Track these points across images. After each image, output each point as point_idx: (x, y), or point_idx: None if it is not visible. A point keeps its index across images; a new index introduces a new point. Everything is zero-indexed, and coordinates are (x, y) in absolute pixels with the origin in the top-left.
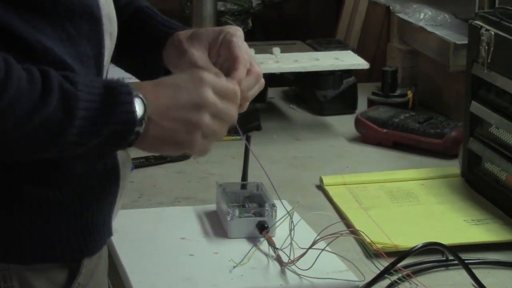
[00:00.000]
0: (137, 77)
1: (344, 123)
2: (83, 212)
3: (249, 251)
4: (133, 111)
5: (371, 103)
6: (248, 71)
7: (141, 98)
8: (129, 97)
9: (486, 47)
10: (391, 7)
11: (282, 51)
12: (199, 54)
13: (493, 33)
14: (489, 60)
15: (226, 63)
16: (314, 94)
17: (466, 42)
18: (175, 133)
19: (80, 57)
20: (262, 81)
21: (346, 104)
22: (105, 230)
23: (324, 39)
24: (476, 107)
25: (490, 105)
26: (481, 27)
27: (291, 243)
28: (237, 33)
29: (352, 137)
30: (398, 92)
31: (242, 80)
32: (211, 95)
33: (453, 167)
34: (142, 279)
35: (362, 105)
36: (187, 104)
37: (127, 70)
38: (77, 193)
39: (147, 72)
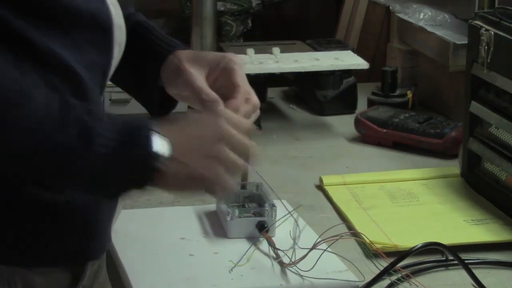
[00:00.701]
0: (129, 92)
1: (344, 123)
2: (87, 216)
3: (246, 251)
4: (151, 148)
5: (371, 103)
6: (246, 100)
7: (160, 136)
8: (149, 134)
9: (486, 47)
10: (391, 7)
11: (282, 51)
12: (197, 75)
13: (492, 33)
14: (489, 60)
15: (224, 90)
16: (314, 94)
17: (466, 42)
18: (196, 170)
19: (89, 65)
20: (258, 111)
21: (346, 104)
22: (107, 234)
23: (324, 39)
24: (476, 107)
25: (490, 105)
26: (481, 27)
27: (294, 248)
28: (239, 62)
29: (352, 137)
30: (398, 92)
31: (239, 108)
32: (228, 127)
33: (453, 167)
34: (142, 279)
35: (362, 105)
36: (206, 138)
37: (119, 84)
38: (80, 197)
39: (141, 87)
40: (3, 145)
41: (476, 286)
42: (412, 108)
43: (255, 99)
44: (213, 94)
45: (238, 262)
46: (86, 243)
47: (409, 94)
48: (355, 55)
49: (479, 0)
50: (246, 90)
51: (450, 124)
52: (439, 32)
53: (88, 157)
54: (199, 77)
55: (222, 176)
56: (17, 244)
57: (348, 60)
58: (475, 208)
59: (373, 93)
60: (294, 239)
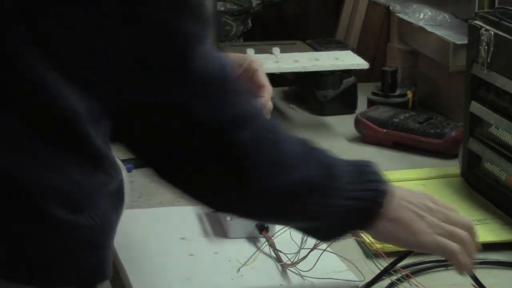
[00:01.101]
0: None
1: (344, 123)
2: (102, 237)
3: (255, 252)
4: (381, 182)
5: (371, 103)
6: (271, 99)
7: (383, 177)
8: (377, 171)
9: (486, 47)
10: (391, 7)
11: (282, 51)
12: None
13: (492, 33)
14: (488, 60)
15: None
16: (314, 94)
17: (466, 42)
18: (412, 221)
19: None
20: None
21: (346, 104)
22: (111, 254)
23: (324, 39)
24: (476, 107)
25: (490, 105)
26: (481, 27)
27: (294, 248)
28: (260, 63)
29: (352, 137)
30: (398, 92)
31: (266, 105)
32: (435, 207)
33: (453, 167)
34: (142, 279)
35: (362, 105)
36: (419, 203)
37: None
38: (95, 216)
39: None
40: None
41: (476, 286)
42: (412, 108)
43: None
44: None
45: (246, 262)
46: (100, 264)
47: (409, 94)
48: (355, 55)
49: (479, 0)
50: (271, 90)
51: (450, 124)
52: (439, 32)
53: (335, 195)
54: None
55: (440, 238)
56: (29, 262)
57: (348, 60)
58: (475, 208)
59: (373, 93)
60: (294, 239)
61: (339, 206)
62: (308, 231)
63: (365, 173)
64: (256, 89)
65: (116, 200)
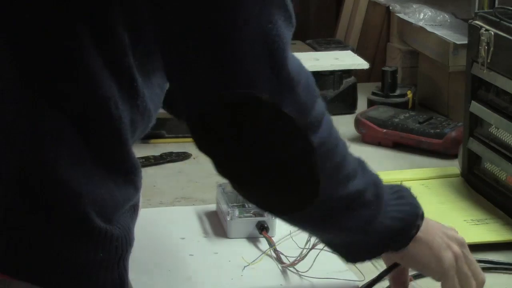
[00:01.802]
0: None
1: (344, 123)
2: (126, 248)
3: (261, 254)
4: (419, 206)
5: (371, 103)
6: None
7: (418, 200)
8: (413, 195)
9: (486, 47)
10: (391, 7)
11: None
12: None
13: (492, 33)
14: (489, 60)
15: None
16: None
17: (466, 42)
18: (440, 247)
19: None
20: None
21: (346, 104)
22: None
23: (324, 39)
24: (476, 107)
25: (489, 105)
26: (481, 27)
27: (294, 248)
28: None
29: (352, 137)
30: (398, 92)
31: None
32: (462, 245)
33: (453, 167)
34: (142, 279)
35: (362, 105)
36: (450, 233)
37: None
38: (121, 227)
39: None
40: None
41: None
42: (412, 108)
43: None
44: None
45: (253, 261)
46: (121, 277)
47: (409, 94)
48: (355, 55)
49: (479, 0)
50: None
51: (450, 124)
52: (439, 32)
53: (380, 213)
54: None
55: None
56: (63, 270)
57: (348, 60)
58: (475, 208)
59: (373, 93)
60: (294, 240)
61: (381, 225)
62: (340, 248)
63: (404, 196)
64: None
65: (134, 213)
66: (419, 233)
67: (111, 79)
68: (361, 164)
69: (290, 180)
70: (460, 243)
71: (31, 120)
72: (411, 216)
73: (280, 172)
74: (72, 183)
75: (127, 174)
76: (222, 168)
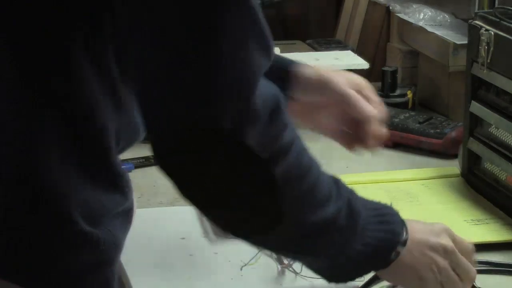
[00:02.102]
0: None
1: None
2: (113, 253)
3: (261, 254)
4: (398, 233)
5: None
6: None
7: (404, 222)
8: (396, 218)
9: (486, 47)
10: (391, 7)
11: (282, 51)
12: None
13: (492, 33)
14: (489, 60)
15: None
16: None
17: (466, 42)
18: (422, 267)
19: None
20: None
21: None
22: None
23: (324, 39)
24: (476, 107)
25: (490, 105)
26: (481, 27)
27: None
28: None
29: None
30: (398, 92)
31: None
32: (452, 246)
33: (453, 167)
34: (142, 279)
35: None
36: (435, 245)
37: None
38: (109, 232)
39: None
40: (291, 218)
41: (476, 287)
42: (412, 108)
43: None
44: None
45: (252, 261)
46: (107, 281)
47: (409, 94)
48: (355, 55)
49: (479, 0)
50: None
51: (450, 124)
52: (439, 32)
53: (352, 239)
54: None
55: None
56: (47, 270)
57: (348, 60)
58: (475, 208)
59: None
60: None
61: (354, 251)
62: (319, 271)
63: (387, 221)
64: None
65: (126, 221)
66: (401, 256)
67: (99, 86)
68: (337, 185)
69: (250, 208)
70: (448, 250)
71: (29, 120)
72: (388, 243)
73: (239, 200)
74: (59, 184)
75: (111, 181)
76: (181, 190)
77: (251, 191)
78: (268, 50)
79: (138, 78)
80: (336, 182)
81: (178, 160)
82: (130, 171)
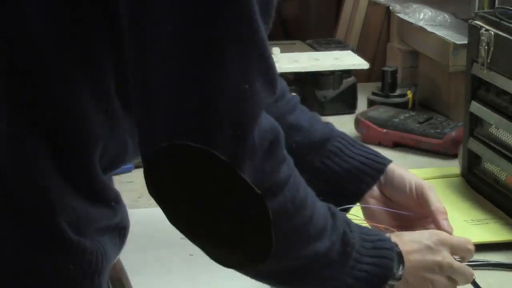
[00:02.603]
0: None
1: (344, 123)
2: (99, 264)
3: None
4: (391, 268)
5: (371, 103)
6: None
7: (400, 255)
8: (392, 253)
9: (486, 47)
10: (391, 7)
11: (282, 51)
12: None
13: (493, 33)
14: (489, 60)
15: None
16: (314, 94)
17: (466, 42)
18: None
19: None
20: None
21: (346, 104)
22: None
23: (324, 39)
24: (476, 107)
25: (490, 105)
26: (481, 27)
27: None
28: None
29: (352, 137)
30: (398, 92)
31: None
32: (450, 258)
33: (453, 167)
34: (142, 279)
35: (362, 105)
36: (431, 265)
37: None
38: (97, 243)
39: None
40: (283, 248)
41: (476, 287)
42: (412, 108)
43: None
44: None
45: None
46: None
47: (409, 94)
48: (355, 55)
49: (479, 0)
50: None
51: (450, 124)
52: (439, 32)
53: (343, 272)
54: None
55: None
56: (21, 279)
57: (348, 60)
58: (475, 208)
59: (373, 93)
60: None
61: (344, 284)
62: None
63: (381, 256)
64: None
65: (117, 237)
66: (396, 286)
67: (90, 102)
68: (333, 218)
69: (239, 241)
70: (443, 266)
71: (17, 132)
72: (381, 277)
73: (229, 232)
74: (46, 192)
75: (95, 194)
76: (168, 216)
77: (241, 225)
78: (272, 86)
79: (136, 100)
80: (333, 214)
81: (168, 187)
82: (130, 171)
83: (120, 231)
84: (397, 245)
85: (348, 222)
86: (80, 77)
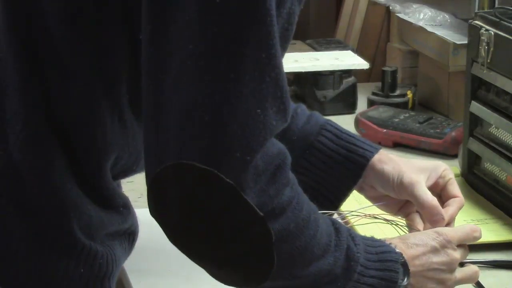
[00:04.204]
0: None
1: (344, 123)
2: (108, 268)
3: None
4: (396, 280)
5: (371, 103)
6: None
7: (405, 265)
8: (396, 265)
9: (486, 47)
10: (391, 7)
11: None
12: (426, 190)
13: (493, 33)
14: (489, 60)
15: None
16: (314, 94)
17: (466, 42)
18: None
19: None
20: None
21: (346, 104)
22: None
23: (324, 39)
24: (476, 107)
25: (490, 105)
26: (481, 27)
27: None
28: (451, 172)
29: None
30: (398, 92)
31: (454, 217)
32: (456, 254)
33: (453, 167)
34: (142, 279)
35: (362, 105)
36: (438, 266)
37: None
38: (106, 246)
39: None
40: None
41: (476, 286)
42: (412, 108)
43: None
44: (442, 212)
45: None
46: None
47: (409, 94)
48: (355, 55)
49: (479, 0)
50: (462, 201)
51: (450, 124)
52: (439, 32)
53: (347, 287)
54: (428, 192)
55: None
56: (31, 280)
57: (348, 60)
58: (475, 208)
59: (373, 93)
60: None
61: None
62: None
63: (385, 269)
64: (446, 199)
65: (126, 242)
66: None
67: (106, 110)
68: (337, 233)
69: (241, 262)
70: (448, 263)
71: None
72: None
73: (230, 253)
74: (61, 196)
75: (105, 199)
76: (167, 234)
77: (243, 246)
78: (284, 113)
79: (147, 116)
80: (337, 229)
81: (170, 206)
82: None
83: (129, 236)
84: (402, 255)
85: (353, 236)
86: (95, 83)
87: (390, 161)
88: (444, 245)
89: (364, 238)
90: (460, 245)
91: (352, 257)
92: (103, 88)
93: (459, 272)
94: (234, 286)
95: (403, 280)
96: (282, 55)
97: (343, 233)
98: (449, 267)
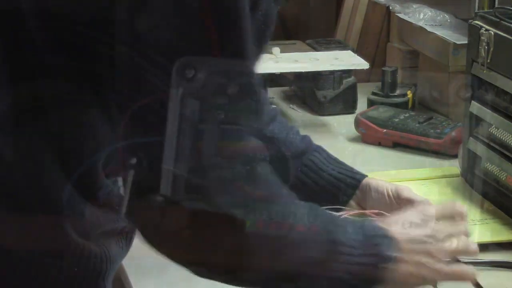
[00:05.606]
0: None
1: (344, 123)
2: (103, 267)
3: None
4: (387, 259)
5: (371, 103)
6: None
7: (391, 239)
8: (386, 243)
9: (486, 47)
10: (391, 7)
11: (282, 51)
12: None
13: (493, 33)
14: (489, 60)
15: None
16: (314, 94)
17: (466, 42)
18: (420, 266)
19: None
20: None
21: (346, 104)
22: None
23: (324, 39)
24: (476, 107)
25: (490, 105)
26: (481, 27)
27: None
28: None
29: (352, 137)
30: (398, 92)
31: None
32: (439, 226)
33: (453, 167)
34: (142, 279)
35: (362, 105)
36: (422, 237)
37: None
38: (102, 246)
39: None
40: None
41: (476, 286)
42: (412, 108)
43: None
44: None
45: None
46: None
47: (409, 94)
48: (355, 55)
49: (479, 0)
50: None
51: (450, 124)
52: (439, 32)
53: (331, 267)
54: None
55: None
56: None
57: (348, 60)
58: (475, 208)
59: (373, 93)
60: None
61: (341, 279)
62: None
63: (372, 245)
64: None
65: (123, 240)
66: (397, 270)
67: (95, 111)
68: (318, 224)
69: (218, 259)
70: (436, 235)
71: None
72: (376, 270)
73: (209, 253)
74: (53, 195)
75: (100, 199)
76: (143, 237)
77: (220, 249)
78: (257, 128)
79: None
80: (316, 215)
81: (145, 208)
82: None
83: (126, 234)
84: (386, 229)
85: (335, 218)
86: (83, 86)
87: (379, 179)
88: (425, 220)
89: (345, 219)
90: (447, 221)
91: (336, 239)
92: (92, 90)
93: (452, 244)
94: (215, 279)
95: (392, 251)
96: (260, 56)
97: (323, 213)
98: (434, 239)
